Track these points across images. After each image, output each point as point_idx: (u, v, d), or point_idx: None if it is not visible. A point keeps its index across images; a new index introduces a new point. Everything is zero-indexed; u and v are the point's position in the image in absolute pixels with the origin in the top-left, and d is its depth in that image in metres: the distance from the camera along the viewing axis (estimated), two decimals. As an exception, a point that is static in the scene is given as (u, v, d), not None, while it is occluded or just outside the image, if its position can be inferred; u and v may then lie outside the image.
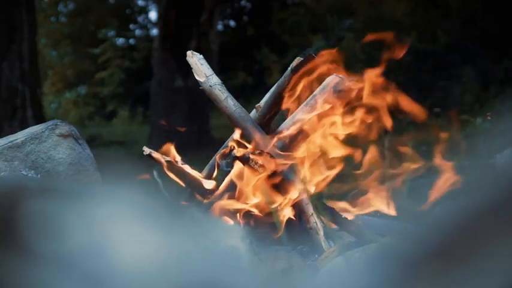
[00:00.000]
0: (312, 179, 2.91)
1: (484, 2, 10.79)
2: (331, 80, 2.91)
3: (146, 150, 3.01)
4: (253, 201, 2.79)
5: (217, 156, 3.03)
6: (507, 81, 9.23)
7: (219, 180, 2.95)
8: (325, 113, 2.88)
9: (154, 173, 3.04)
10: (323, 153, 2.93)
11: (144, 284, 0.84)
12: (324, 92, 2.89)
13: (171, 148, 2.99)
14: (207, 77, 2.99)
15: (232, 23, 18.95)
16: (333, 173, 2.94)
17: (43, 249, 0.84)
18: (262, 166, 2.70)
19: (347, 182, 3.03)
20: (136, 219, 0.92)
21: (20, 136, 2.77)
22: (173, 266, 0.89)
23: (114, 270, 0.83)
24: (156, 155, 2.98)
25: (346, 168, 2.96)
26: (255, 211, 2.79)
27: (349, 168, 2.96)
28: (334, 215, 2.73)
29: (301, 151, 2.88)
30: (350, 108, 2.89)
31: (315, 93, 2.92)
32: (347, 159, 2.96)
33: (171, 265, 0.89)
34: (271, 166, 2.71)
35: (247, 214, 2.80)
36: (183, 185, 2.98)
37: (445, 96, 9.80)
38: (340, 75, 2.91)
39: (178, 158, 2.97)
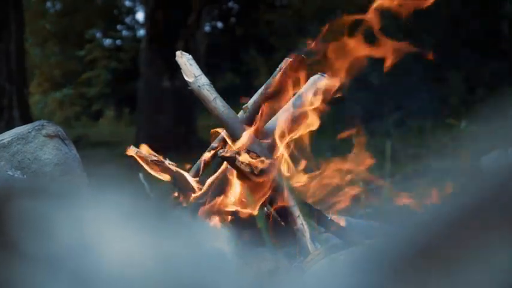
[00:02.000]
0: (296, 178, 2.92)
1: (470, 5, 10.84)
2: (315, 79, 2.92)
3: (133, 149, 3.01)
4: (238, 201, 2.79)
5: (204, 157, 3.03)
6: (493, 84, 9.27)
7: (205, 181, 2.95)
8: (308, 112, 2.89)
9: (140, 175, 3.03)
10: (305, 152, 2.93)
11: (130, 285, 0.84)
12: (308, 91, 2.90)
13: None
14: (195, 77, 2.99)
15: (219, 24, 18.96)
16: (316, 172, 2.94)
17: (31, 249, 0.83)
18: (248, 166, 2.70)
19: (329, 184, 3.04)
20: (122, 220, 0.92)
21: (6, 136, 2.76)
22: (159, 268, 0.89)
23: (100, 272, 0.83)
24: (142, 154, 2.98)
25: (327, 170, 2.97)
26: (242, 211, 2.79)
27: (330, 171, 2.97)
28: (320, 217, 2.74)
29: (285, 150, 2.89)
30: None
31: (299, 92, 2.93)
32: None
33: (156, 267, 0.89)
34: (257, 166, 2.71)
35: (234, 215, 2.80)
36: (169, 184, 2.98)
37: (430, 99, 9.84)
38: (324, 74, 2.92)
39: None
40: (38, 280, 0.82)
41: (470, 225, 0.89)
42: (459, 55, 10.12)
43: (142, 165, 2.99)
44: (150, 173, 2.99)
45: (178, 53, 3.07)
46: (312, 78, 2.93)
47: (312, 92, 2.89)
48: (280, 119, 2.91)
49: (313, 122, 2.90)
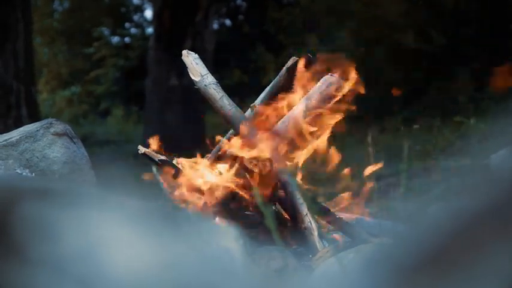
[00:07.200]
0: (304, 177, 2.91)
1: (478, 2, 10.81)
2: (326, 79, 2.91)
3: (141, 149, 3.01)
4: (247, 198, 2.79)
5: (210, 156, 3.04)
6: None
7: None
8: (318, 112, 2.88)
9: (154, 169, 3.04)
10: (315, 152, 2.93)
11: (137, 287, 0.84)
12: (318, 91, 2.89)
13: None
14: (202, 76, 2.99)
15: (227, 22, 18.94)
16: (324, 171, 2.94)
17: (36, 254, 0.83)
18: (256, 165, 2.70)
19: (336, 182, 3.04)
20: (129, 221, 0.92)
21: (14, 135, 2.77)
22: (166, 269, 0.89)
23: (106, 274, 0.83)
24: (150, 153, 2.98)
25: (334, 168, 2.96)
26: (250, 210, 2.79)
27: (337, 168, 2.97)
28: (328, 215, 2.74)
29: (295, 150, 2.88)
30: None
31: (309, 92, 2.92)
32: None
33: (164, 267, 0.89)
34: (265, 165, 2.71)
35: (242, 215, 2.80)
36: (176, 183, 2.99)
37: (439, 97, 9.81)
38: (335, 75, 2.91)
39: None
40: (44, 285, 0.82)
41: (482, 228, 0.88)
42: (468, 53, 10.09)
43: (153, 163, 3.00)
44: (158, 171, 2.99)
45: (184, 52, 3.07)
46: (323, 79, 2.93)
47: (322, 92, 2.88)
48: (291, 119, 2.90)
49: (324, 123, 2.89)
